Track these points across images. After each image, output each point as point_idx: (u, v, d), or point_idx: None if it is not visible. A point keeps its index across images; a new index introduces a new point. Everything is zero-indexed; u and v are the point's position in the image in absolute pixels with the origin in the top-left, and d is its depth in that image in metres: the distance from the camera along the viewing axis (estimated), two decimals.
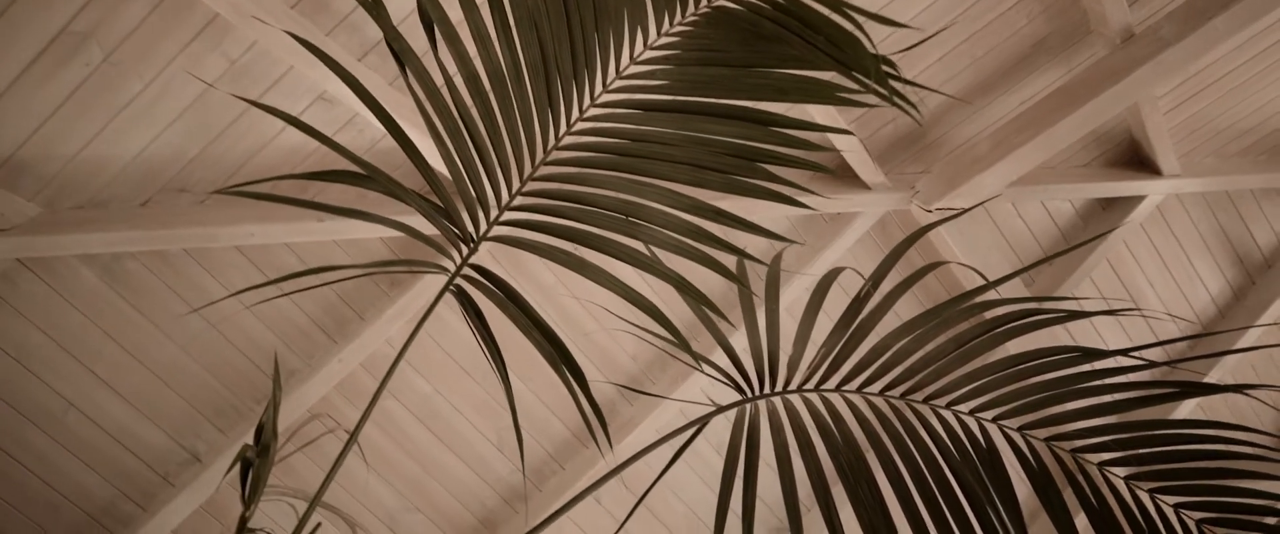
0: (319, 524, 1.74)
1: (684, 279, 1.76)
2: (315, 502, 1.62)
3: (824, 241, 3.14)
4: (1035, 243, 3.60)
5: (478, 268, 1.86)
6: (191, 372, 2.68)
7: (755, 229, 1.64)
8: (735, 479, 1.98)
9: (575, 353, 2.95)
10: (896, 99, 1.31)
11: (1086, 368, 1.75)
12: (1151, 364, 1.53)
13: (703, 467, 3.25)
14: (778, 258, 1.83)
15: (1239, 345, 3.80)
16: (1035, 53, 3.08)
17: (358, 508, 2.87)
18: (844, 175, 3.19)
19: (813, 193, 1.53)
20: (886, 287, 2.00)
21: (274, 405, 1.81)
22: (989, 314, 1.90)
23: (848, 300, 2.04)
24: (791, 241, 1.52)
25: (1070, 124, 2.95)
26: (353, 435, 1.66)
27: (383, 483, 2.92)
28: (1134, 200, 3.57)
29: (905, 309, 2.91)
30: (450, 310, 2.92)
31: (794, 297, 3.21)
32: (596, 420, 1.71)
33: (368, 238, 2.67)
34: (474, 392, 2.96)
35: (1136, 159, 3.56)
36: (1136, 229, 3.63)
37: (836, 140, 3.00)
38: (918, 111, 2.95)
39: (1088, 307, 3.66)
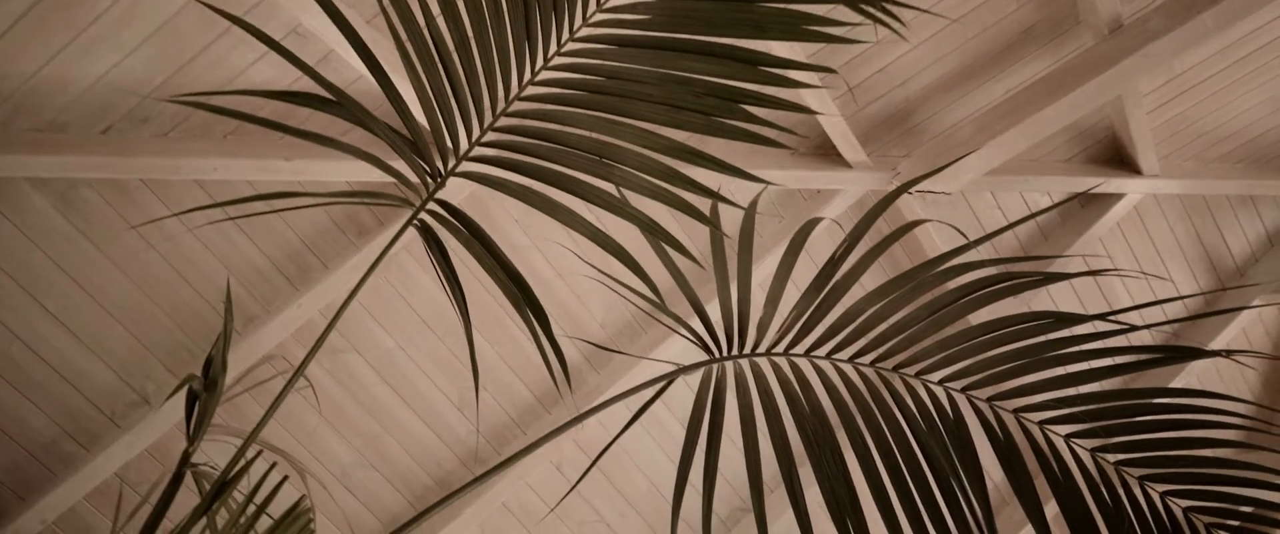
0: (274, 465, 1.67)
1: (655, 223, 1.71)
2: (253, 435, 1.55)
3: (803, 218, 3.11)
4: (1012, 236, 3.59)
5: (444, 204, 1.80)
6: (145, 310, 2.60)
7: (733, 170, 1.59)
8: (698, 444, 1.93)
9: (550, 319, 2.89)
10: (884, 19, 1.26)
11: (1058, 335, 1.72)
12: (1129, 328, 1.49)
13: (667, 440, 3.20)
14: (752, 205, 1.78)
15: (1211, 347, 3.82)
16: (1024, 40, 3.06)
17: (309, 460, 2.79)
18: (826, 153, 3.16)
19: (792, 132, 1.48)
20: (859, 257, 1.96)
21: (225, 336, 1.74)
22: (963, 279, 1.86)
23: (824, 289, 1.99)
24: (769, 183, 1.48)
25: (1055, 112, 2.94)
26: (298, 371, 1.58)
27: (337, 437, 2.85)
28: (1113, 199, 3.57)
29: (876, 282, 2.88)
30: (417, 263, 2.85)
31: (768, 271, 3.17)
32: (557, 365, 1.65)
33: (335, 181, 2.60)
34: (437, 348, 2.90)
35: (1118, 158, 3.56)
36: (1113, 228, 3.63)
37: (822, 118, 2.97)
38: (900, 29, 2.91)
39: (1067, 310, 3.66)
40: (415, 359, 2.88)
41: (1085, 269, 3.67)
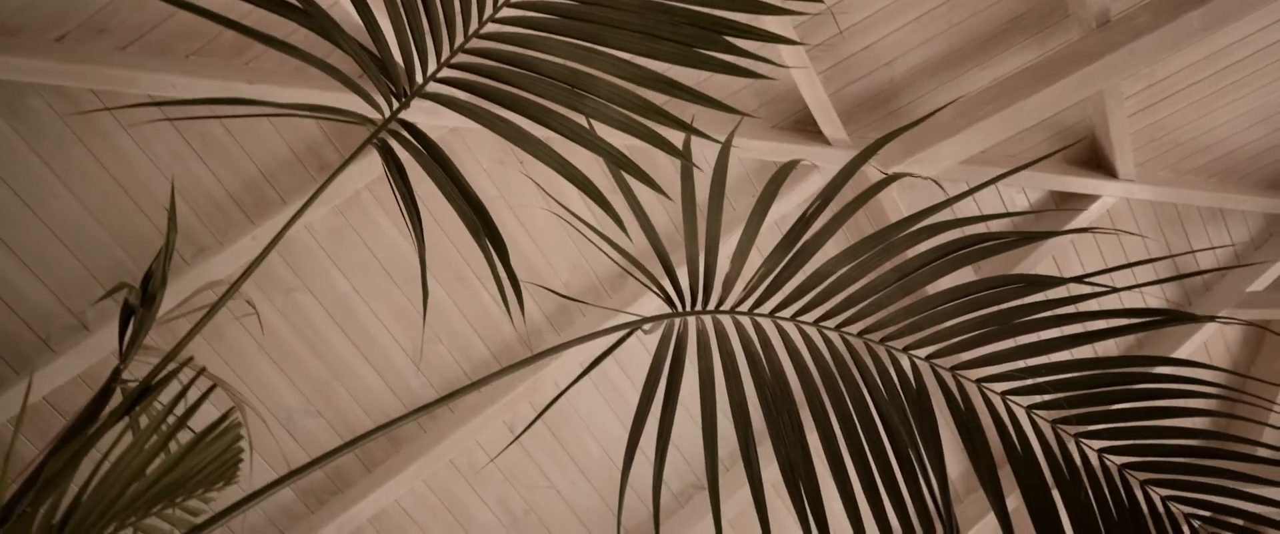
0: (212, 387, 1.58)
1: (624, 156, 1.65)
2: (182, 344, 1.46)
3: (808, 257, 3.06)
4: (985, 228, 3.57)
5: (407, 126, 1.73)
6: (90, 232, 2.49)
7: (710, 101, 1.54)
8: (654, 403, 1.88)
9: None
10: None
11: (1027, 301, 1.68)
12: (1105, 289, 1.46)
13: (623, 407, 3.14)
14: (726, 143, 1.73)
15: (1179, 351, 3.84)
16: (1011, 29, 3.03)
17: (254, 402, 2.70)
18: (806, 129, 3.12)
19: (771, 61, 1.43)
20: (829, 218, 1.92)
21: (166, 249, 1.65)
22: (933, 242, 1.82)
23: (793, 248, 1.94)
24: (746, 114, 1.42)
25: (1037, 102, 2.92)
26: (231, 289, 1.49)
27: (285, 380, 2.76)
28: (1087, 200, 3.56)
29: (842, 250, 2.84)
30: (381, 209, 2.77)
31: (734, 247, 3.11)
32: (513, 292, 1.59)
33: (300, 116, 2.50)
34: (395, 297, 2.82)
35: (1095, 160, 3.56)
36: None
37: (806, 99, 2.93)
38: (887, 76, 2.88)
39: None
40: (371, 305, 2.79)
41: (1053, 268, 3.65)
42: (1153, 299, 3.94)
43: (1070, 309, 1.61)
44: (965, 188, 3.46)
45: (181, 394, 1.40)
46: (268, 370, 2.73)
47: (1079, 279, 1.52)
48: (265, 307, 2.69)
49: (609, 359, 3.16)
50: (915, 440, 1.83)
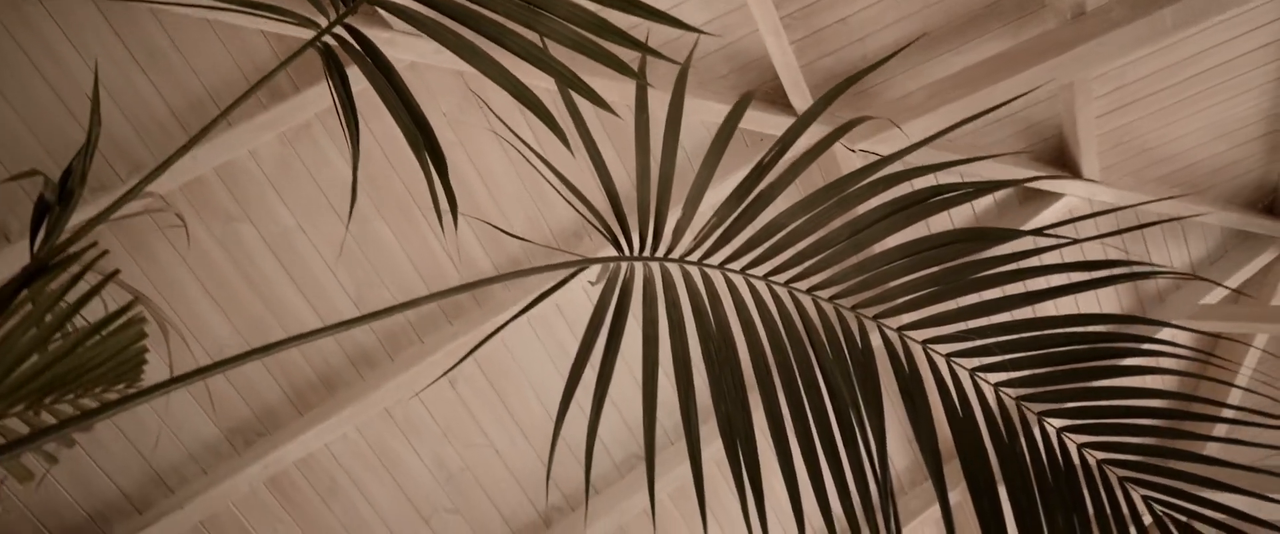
0: (114, 273, 1.49)
1: (577, 77, 1.59)
2: (85, 230, 1.37)
3: (741, 162, 3.01)
4: (948, 221, 3.55)
5: (352, 30, 1.66)
6: (21, 138, 2.37)
7: (664, 18, 1.48)
8: (594, 349, 1.82)
9: (463, 226, 2.74)
10: None
11: (976, 257, 1.64)
12: (1065, 241, 1.42)
13: (568, 367, 3.07)
14: (685, 65, 1.67)
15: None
16: (987, 15, 3.01)
17: (184, 331, 2.59)
18: (776, 100, 3.08)
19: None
20: (786, 167, 1.87)
21: (89, 145, 1.57)
22: (887, 196, 1.79)
23: (745, 200, 1.89)
24: (703, 31, 1.36)
25: (1007, 88, 2.90)
26: (137, 186, 1.41)
27: (218, 312, 2.65)
28: (1050, 198, 3.56)
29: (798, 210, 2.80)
30: (332, 144, 2.68)
31: (703, 203, 3.06)
32: (448, 207, 1.52)
33: (252, 27, 2.41)
34: (339, 234, 2.72)
35: (1060, 160, 3.56)
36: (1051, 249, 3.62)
37: (776, 67, 2.88)
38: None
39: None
40: (314, 242, 2.70)
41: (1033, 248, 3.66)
42: (1106, 301, 3.96)
43: (1022, 265, 1.58)
44: (931, 179, 3.45)
45: (79, 274, 1.31)
46: (201, 301, 2.63)
47: (1038, 232, 1.48)
48: (201, 232, 2.58)
49: (556, 317, 3.10)
50: (857, 401, 1.79)
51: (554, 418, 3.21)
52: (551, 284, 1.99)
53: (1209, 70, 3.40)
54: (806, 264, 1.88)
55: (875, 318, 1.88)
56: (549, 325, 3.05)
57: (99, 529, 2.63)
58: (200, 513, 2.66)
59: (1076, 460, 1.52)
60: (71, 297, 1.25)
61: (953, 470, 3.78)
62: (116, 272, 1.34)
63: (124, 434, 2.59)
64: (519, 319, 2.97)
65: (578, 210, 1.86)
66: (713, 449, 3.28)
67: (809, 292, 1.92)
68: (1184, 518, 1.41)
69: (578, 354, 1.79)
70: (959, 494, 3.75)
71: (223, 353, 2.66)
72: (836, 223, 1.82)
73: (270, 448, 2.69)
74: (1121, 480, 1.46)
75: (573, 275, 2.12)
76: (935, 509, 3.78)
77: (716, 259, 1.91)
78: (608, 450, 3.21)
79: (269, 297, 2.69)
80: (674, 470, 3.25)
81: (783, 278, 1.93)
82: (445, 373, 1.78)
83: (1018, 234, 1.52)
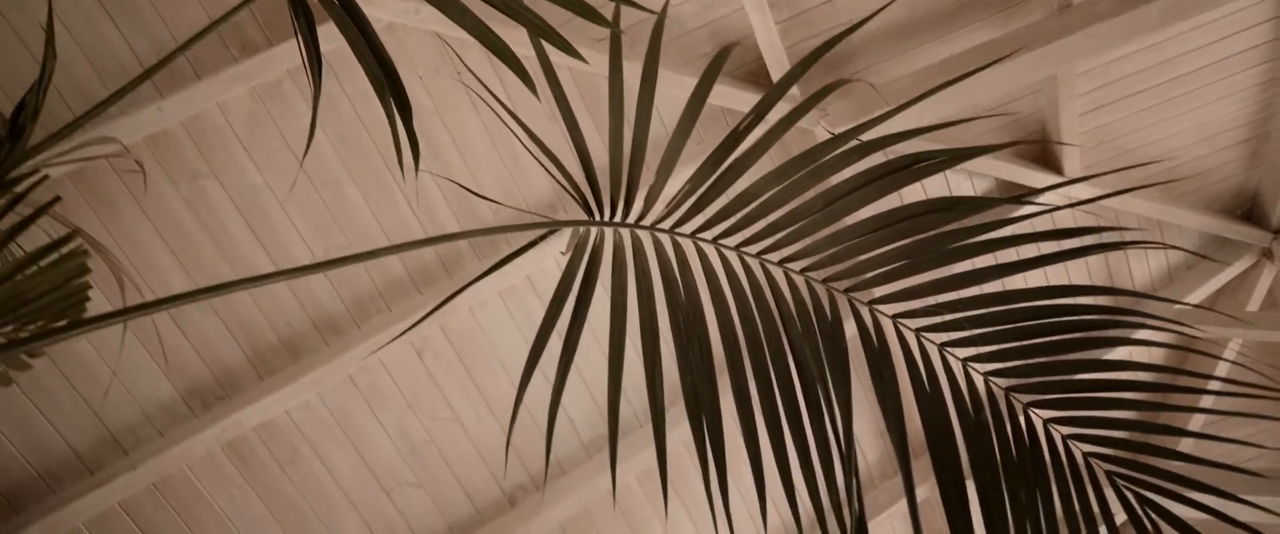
0: (55, 200, 1.44)
1: (548, 25, 1.54)
2: (31, 152, 1.32)
3: (718, 137, 2.98)
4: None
5: None
6: None
7: None
8: (562, 314, 1.78)
9: (435, 194, 2.70)
10: None
11: (949, 227, 1.62)
12: (1044, 208, 1.39)
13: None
14: (661, 16, 1.63)
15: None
16: (974, 4, 3.00)
17: (143, 286, 2.53)
18: (758, 80, 3.05)
19: None
20: (759, 144, 1.83)
21: (43, 79, 1.51)
22: (861, 166, 1.75)
23: (719, 149, 1.86)
24: (613, 27, 1.33)
25: (992, 77, 2.88)
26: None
27: (180, 270, 2.59)
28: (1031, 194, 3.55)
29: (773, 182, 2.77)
30: (304, 100, 2.62)
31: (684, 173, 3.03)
32: (408, 141, 1.47)
33: None
34: (310, 199, 2.67)
35: (1043, 157, 3.55)
36: (1023, 226, 3.61)
37: (760, 45, 2.85)
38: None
39: None
40: (283, 204, 2.64)
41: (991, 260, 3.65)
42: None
43: (996, 234, 1.55)
44: (918, 163, 3.42)
45: (15, 199, 1.25)
46: (163, 258, 2.57)
47: (1016, 199, 1.45)
48: (167, 190, 2.52)
49: (527, 291, 3.05)
50: (825, 376, 1.76)
51: (527, 398, 3.17)
52: (516, 227, 1.94)
53: (1194, 72, 3.40)
54: (779, 236, 1.85)
55: (846, 292, 1.85)
56: (520, 299, 3.00)
57: (48, 488, 2.57)
58: (154, 475, 2.60)
59: (1042, 436, 1.49)
60: (20, 234, 1.19)
61: (923, 466, 3.76)
62: (57, 199, 1.28)
63: (73, 387, 2.52)
64: (489, 294, 2.93)
65: (548, 172, 1.82)
66: (681, 432, 3.25)
67: (780, 263, 1.89)
68: (1149, 494, 1.38)
69: (543, 321, 1.75)
70: (927, 490, 3.74)
71: (182, 310, 2.60)
72: (810, 193, 1.78)
73: (229, 411, 2.63)
74: (1087, 456, 1.43)
75: (543, 237, 2.07)
76: (904, 503, 3.77)
77: (688, 228, 1.88)
78: (576, 431, 3.17)
79: (234, 257, 2.63)
80: (641, 452, 3.21)
81: (754, 249, 1.89)
82: (406, 330, 1.74)
83: (993, 203, 1.50)
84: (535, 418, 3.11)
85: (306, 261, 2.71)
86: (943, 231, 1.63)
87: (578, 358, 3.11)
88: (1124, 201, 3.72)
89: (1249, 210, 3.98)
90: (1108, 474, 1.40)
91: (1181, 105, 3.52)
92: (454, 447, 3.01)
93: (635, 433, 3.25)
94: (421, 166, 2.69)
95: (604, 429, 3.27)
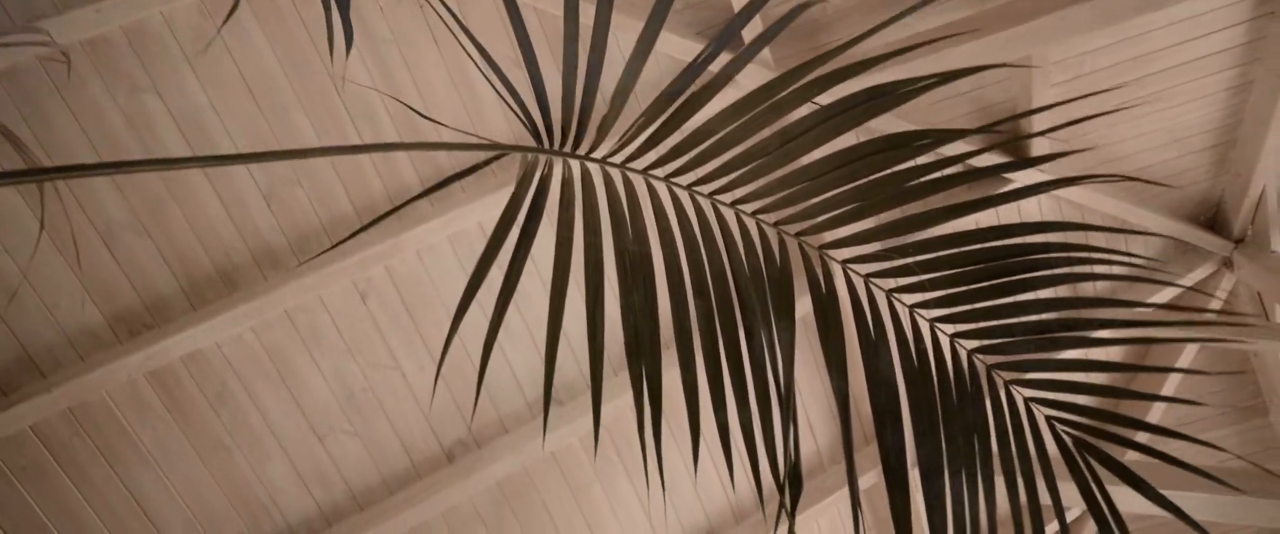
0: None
1: None
2: None
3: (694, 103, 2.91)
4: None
5: None
6: None
7: None
8: (505, 244, 1.70)
9: (389, 136, 2.60)
10: None
11: (902, 166, 1.56)
12: (998, 132, 1.34)
13: (487, 295, 2.94)
14: None
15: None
16: None
17: (73, 207, 2.42)
18: (733, 47, 2.98)
19: None
20: (715, 81, 1.76)
21: None
22: (825, 99, 1.69)
23: (675, 82, 1.80)
24: None
25: (965, 53, 2.84)
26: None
27: (113, 188, 2.48)
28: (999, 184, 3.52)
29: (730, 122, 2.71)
30: (258, 27, 2.52)
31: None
32: (341, 30, 1.38)
33: None
34: (256, 122, 2.56)
35: (1014, 148, 3.52)
36: (992, 214, 3.59)
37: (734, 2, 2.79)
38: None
39: None
40: (227, 126, 2.53)
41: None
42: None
43: (947, 171, 1.50)
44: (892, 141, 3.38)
45: None
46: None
47: (985, 129, 1.39)
48: (104, 99, 2.41)
49: (479, 239, 2.96)
50: (769, 320, 1.70)
51: (465, 344, 3.07)
52: (460, 146, 1.86)
53: (1166, 70, 3.40)
54: (731, 176, 1.79)
55: (797, 235, 1.79)
56: (471, 246, 2.92)
57: None
58: (70, 400, 2.48)
59: (984, 381, 1.44)
60: None
61: (873, 453, 3.72)
62: None
63: None
64: (439, 238, 2.84)
65: (500, 96, 1.74)
66: (630, 399, 3.18)
67: (733, 205, 1.83)
68: (1086, 437, 1.33)
69: (486, 249, 1.68)
70: (875, 476, 3.70)
71: (112, 233, 2.48)
72: (766, 132, 1.72)
73: (156, 340, 2.52)
74: (1028, 401, 1.38)
75: (490, 160, 1.99)
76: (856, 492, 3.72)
77: (640, 164, 1.81)
78: (521, 389, 3.09)
79: (170, 176, 2.52)
80: (586, 416, 3.14)
81: (707, 189, 1.83)
82: (335, 245, 1.65)
83: (956, 135, 1.44)
84: (485, 379, 3.02)
85: (248, 190, 2.61)
86: (895, 171, 1.57)
87: (527, 315, 3.03)
88: (1090, 199, 3.71)
89: (1213, 217, 3.98)
90: (1048, 420, 1.35)
91: (1152, 104, 3.51)
92: (393, 397, 2.92)
93: (583, 397, 3.18)
94: (378, 95, 2.60)
95: (522, 399, 3.19)
